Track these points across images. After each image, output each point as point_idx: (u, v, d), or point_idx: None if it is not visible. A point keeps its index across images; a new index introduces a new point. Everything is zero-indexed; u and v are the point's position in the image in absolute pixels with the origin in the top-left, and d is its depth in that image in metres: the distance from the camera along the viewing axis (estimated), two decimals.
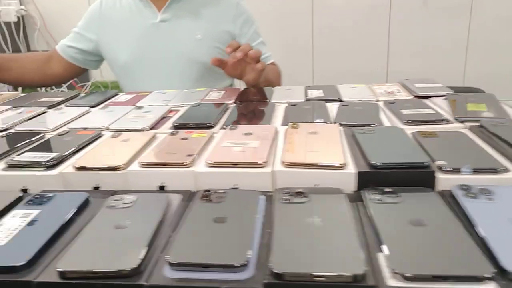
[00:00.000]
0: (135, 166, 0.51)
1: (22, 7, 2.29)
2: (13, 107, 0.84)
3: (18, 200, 0.48)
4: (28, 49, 2.38)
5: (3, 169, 0.53)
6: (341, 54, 2.22)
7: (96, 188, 0.52)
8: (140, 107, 0.79)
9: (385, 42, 2.20)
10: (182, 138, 0.59)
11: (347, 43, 2.22)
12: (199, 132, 0.61)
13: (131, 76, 1.11)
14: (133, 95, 0.91)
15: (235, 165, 0.49)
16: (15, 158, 0.54)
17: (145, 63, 1.08)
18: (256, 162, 0.49)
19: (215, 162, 0.50)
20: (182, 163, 0.50)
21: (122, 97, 0.91)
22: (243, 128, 0.61)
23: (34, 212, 0.44)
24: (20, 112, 0.79)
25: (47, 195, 0.47)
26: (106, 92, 0.96)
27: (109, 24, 1.11)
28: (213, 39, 1.08)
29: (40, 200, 0.46)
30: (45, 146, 0.59)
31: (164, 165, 0.51)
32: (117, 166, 0.51)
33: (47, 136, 0.65)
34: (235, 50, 0.84)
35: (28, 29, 2.38)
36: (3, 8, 2.18)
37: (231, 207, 0.43)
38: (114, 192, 0.48)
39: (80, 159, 0.54)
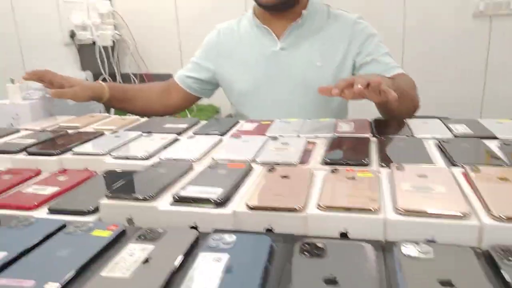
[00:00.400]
0: (313, 209, 0.48)
1: (117, 31, 2.41)
2: (144, 132, 0.84)
3: (196, 239, 0.45)
4: (120, 73, 2.49)
5: (171, 204, 0.51)
6: (432, 81, 2.12)
7: (269, 230, 0.48)
8: (275, 138, 0.76)
9: (483, 69, 2.08)
10: (349, 178, 0.55)
11: (439, 70, 2.12)
12: (361, 170, 0.57)
13: (249, 104, 1.09)
14: (257, 124, 0.89)
15: (431, 214, 0.44)
16: (182, 193, 0.52)
17: (264, 91, 1.06)
18: (456, 214, 0.44)
19: (407, 210, 0.45)
20: (369, 208, 0.46)
21: (246, 125, 0.89)
22: (413, 169, 0.56)
23: (223, 257, 0.41)
24: (153, 139, 0.79)
25: (229, 237, 0.44)
26: (226, 119, 0.96)
27: (227, 53, 1.11)
28: (332, 65, 1.04)
29: (222, 242, 0.44)
30: (204, 180, 0.57)
31: (346, 209, 0.47)
32: (294, 208, 0.48)
33: (195, 166, 0.64)
34: (346, 87, 0.76)
35: (120, 53, 2.50)
36: (101, 33, 2.30)
37: (448, 265, 0.38)
38: (294, 237, 0.45)
39: (252, 197, 0.51)
